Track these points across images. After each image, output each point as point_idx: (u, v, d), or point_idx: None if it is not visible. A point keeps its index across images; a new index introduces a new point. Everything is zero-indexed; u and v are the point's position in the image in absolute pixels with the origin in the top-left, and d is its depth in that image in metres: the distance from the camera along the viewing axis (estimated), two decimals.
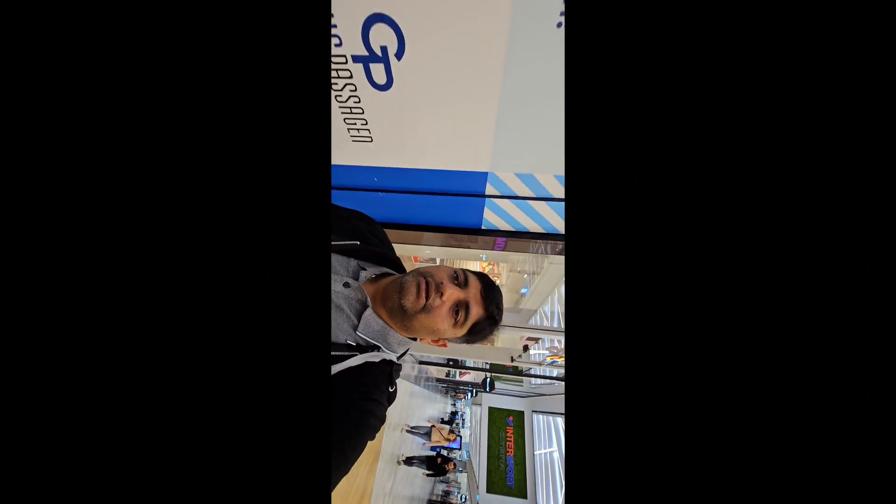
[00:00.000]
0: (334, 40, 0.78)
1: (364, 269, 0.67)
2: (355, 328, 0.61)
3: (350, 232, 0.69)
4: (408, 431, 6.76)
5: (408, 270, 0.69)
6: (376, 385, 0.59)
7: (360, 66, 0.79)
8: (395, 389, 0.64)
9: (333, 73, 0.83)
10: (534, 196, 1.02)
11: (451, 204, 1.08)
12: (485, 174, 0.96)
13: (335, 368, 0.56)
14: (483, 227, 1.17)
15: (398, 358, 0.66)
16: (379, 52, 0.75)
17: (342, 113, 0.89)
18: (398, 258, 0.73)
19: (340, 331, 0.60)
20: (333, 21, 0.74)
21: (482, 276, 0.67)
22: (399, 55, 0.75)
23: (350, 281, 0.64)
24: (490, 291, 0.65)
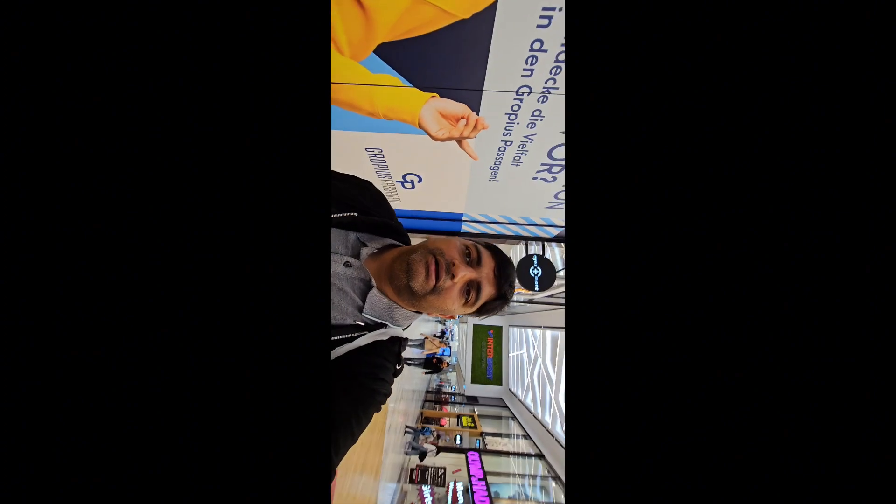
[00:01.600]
0: (387, 177, 1.78)
1: (365, 245, 0.62)
2: (360, 309, 0.58)
3: (344, 202, 0.63)
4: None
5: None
6: (383, 366, 0.57)
7: (399, 183, 1.86)
8: (402, 368, 0.62)
9: (385, 184, 1.84)
10: (488, 220, 2.22)
11: (440, 224, 2.30)
12: (461, 213, 2.18)
13: (343, 349, 0.54)
14: (462, 231, 2.41)
15: (403, 329, 0.63)
16: (409, 181, 1.85)
17: (386, 190, 1.90)
18: (399, 225, 0.68)
19: (345, 313, 0.57)
20: (390, 172, 1.74)
21: (496, 253, 0.62)
22: (420, 181, 1.84)
23: (351, 260, 0.59)
24: (504, 269, 0.60)
